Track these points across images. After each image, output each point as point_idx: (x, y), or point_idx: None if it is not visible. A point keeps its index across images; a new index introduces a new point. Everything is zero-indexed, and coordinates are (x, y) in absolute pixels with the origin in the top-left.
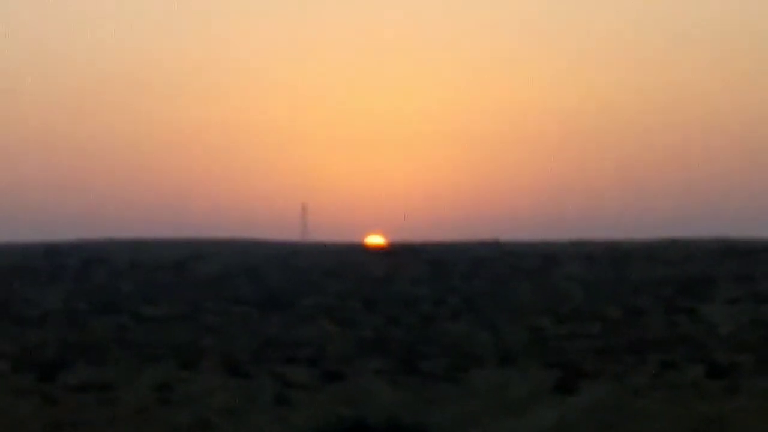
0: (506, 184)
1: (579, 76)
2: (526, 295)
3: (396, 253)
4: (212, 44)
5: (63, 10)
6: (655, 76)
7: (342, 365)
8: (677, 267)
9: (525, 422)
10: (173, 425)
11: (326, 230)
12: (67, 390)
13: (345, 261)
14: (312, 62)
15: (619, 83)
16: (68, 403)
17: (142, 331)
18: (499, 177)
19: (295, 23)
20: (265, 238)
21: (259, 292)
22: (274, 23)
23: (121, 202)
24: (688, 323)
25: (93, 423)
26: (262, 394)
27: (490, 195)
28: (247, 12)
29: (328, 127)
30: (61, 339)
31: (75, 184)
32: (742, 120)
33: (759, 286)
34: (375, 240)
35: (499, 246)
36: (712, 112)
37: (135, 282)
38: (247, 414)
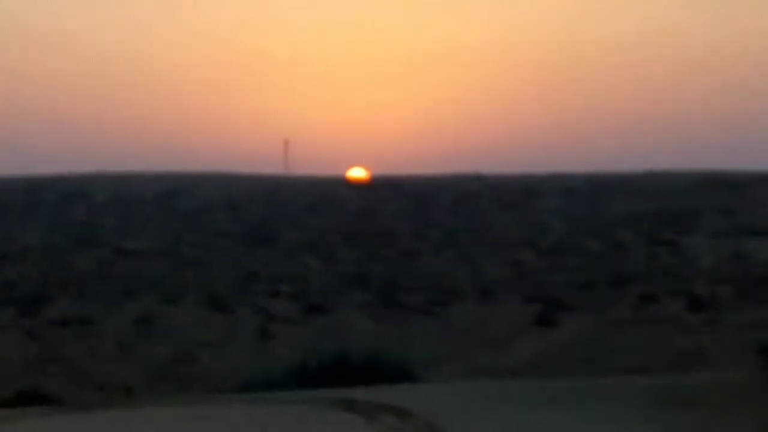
0: (487, 118)
1: (558, 7)
2: (507, 229)
3: (377, 187)
4: None
5: None
6: (634, 7)
7: (324, 299)
8: (659, 200)
9: (505, 356)
10: (154, 359)
11: (308, 164)
12: (48, 324)
13: (326, 195)
14: None
15: (599, 15)
16: (49, 337)
17: (123, 266)
18: (480, 110)
19: None
20: (247, 172)
21: (241, 227)
22: None
23: (102, 136)
24: (669, 256)
25: (74, 357)
26: (244, 328)
27: (472, 128)
28: None
29: (311, 61)
30: (42, 274)
31: (54, 117)
32: (725, 50)
33: (741, 219)
34: (357, 173)
35: (481, 180)
36: (694, 43)
37: (116, 216)
38: (228, 348)
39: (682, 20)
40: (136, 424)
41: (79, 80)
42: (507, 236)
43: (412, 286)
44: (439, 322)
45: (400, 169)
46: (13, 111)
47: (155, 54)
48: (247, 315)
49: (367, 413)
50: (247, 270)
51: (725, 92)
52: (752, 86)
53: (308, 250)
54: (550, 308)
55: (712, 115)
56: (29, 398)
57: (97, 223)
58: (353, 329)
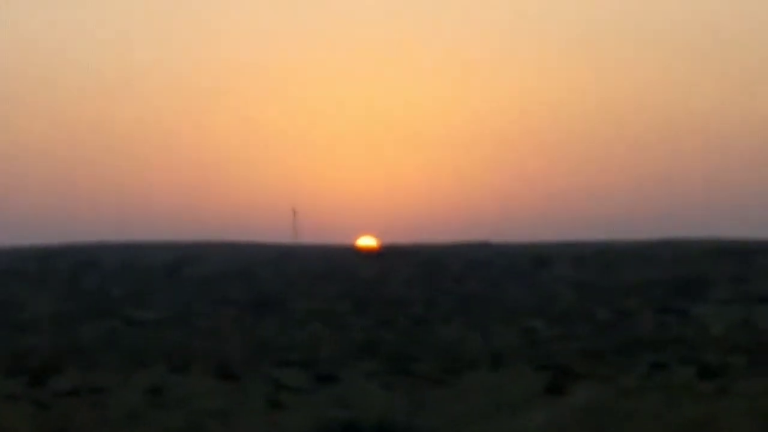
0: (497, 186)
1: (570, 76)
2: (517, 296)
3: (387, 255)
4: (206, 46)
5: (63, 8)
6: (649, 76)
7: (334, 368)
8: (669, 267)
9: (517, 424)
10: (165, 429)
11: (317, 232)
12: (58, 395)
13: (336, 263)
14: (303, 65)
15: (611, 83)
16: (59, 408)
17: (134, 335)
18: (490, 178)
19: (287, 26)
20: (257, 240)
21: (250, 295)
22: (266, 25)
23: (112, 206)
24: (679, 324)
25: (84, 428)
26: (254, 398)
27: (482, 196)
28: (240, 14)
29: (319, 130)
30: (52, 343)
31: (66, 187)
32: (737, 120)
33: (752, 287)
34: (366, 242)
35: (490, 247)
36: (707, 112)
37: (126, 285)
38: (239, 417)
39: (696, 88)
40: None
41: (91, 152)
42: (517, 304)
43: (423, 354)
44: (450, 390)
45: (410, 237)
46: (26, 181)
47: (165, 123)
48: (256, 384)
49: None
50: (257, 338)
51: (736, 162)
52: (764, 157)
53: (318, 319)
54: (561, 376)
55: (722, 185)
56: None
57: (108, 292)
58: (364, 398)
